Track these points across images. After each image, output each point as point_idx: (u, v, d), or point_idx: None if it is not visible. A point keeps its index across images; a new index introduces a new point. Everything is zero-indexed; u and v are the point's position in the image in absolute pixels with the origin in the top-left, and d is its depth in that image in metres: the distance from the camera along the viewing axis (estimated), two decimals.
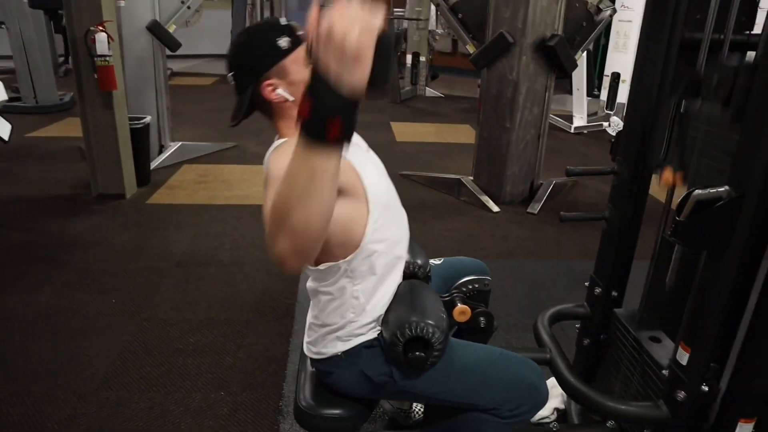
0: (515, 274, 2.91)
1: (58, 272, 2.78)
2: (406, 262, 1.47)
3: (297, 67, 1.16)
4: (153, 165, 4.32)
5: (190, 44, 11.56)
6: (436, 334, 1.19)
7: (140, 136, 3.91)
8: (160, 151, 4.61)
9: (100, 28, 3.25)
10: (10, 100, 6.19)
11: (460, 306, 1.42)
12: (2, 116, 2.98)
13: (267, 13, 9.48)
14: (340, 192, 1.11)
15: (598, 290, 1.71)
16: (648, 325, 1.54)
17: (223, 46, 7.17)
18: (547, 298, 2.67)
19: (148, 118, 4.01)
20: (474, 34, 3.57)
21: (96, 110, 3.56)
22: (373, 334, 1.28)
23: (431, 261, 1.70)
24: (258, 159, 4.87)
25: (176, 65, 10.17)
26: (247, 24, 8.47)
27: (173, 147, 4.77)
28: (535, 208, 3.70)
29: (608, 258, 1.67)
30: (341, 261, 1.19)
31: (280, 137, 1.24)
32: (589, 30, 3.59)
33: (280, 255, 0.79)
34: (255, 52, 1.18)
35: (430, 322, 1.21)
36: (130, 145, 3.75)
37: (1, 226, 3.29)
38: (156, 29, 4.15)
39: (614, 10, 3.83)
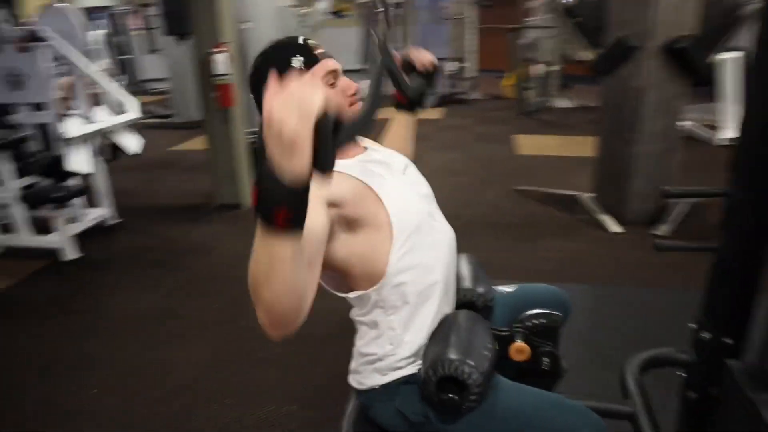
0: (624, 303, 2.58)
1: (171, 276, 2.99)
2: (463, 289, 1.34)
3: None
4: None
5: None
6: (474, 376, 1.05)
7: (259, 149, 4.12)
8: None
9: (221, 49, 3.48)
10: (164, 116, 6.95)
11: (517, 344, 1.25)
12: (137, 131, 3.29)
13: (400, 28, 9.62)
14: (360, 224, 1.06)
15: (705, 335, 1.42)
16: None
17: (353, 62, 7.48)
18: (660, 335, 2.33)
19: None
20: (592, 39, 3.27)
21: (216, 126, 3.82)
22: (412, 369, 1.17)
23: (501, 288, 1.54)
24: None
25: None
26: (375, 39, 8.67)
27: None
28: (664, 230, 3.28)
29: (719, 298, 1.39)
30: (370, 290, 1.12)
31: None
32: (733, 28, 3.11)
33: (261, 324, 0.80)
34: (268, 71, 1.13)
35: (469, 362, 1.07)
36: (246, 158, 3.97)
37: (132, 230, 3.65)
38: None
39: None
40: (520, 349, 1.24)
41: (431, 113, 7.43)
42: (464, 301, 1.34)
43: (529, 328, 1.30)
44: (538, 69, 7.05)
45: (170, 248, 3.38)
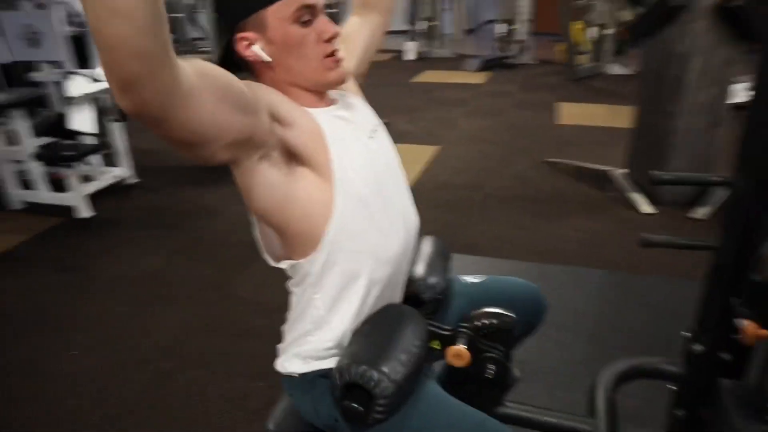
0: (643, 294, 2.35)
1: (174, 238, 2.97)
2: (411, 277, 1.19)
3: (280, 22, 0.92)
4: None
5: None
6: (382, 385, 0.92)
7: None
8: None
9: None
10: None
11: (455, 348, 1.09)
12: None
13: None
14: (301, 162, 0.92)
15: (698, 348, 1.23)
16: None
17: (401, 22, 7.21)
18: (673, 335, 2.10)
19: None
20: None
21: None
22: (331, 363, 1.04)
23: (466, 278, 1.38)
24: (405, 137, 4.77)
25: None
26: (424, 2, 8.32)
27: None
28: (703, 213, 2.97)
29: (715, 305, 1.19)
30: (302, 260, 0.99)
31: None
32: None
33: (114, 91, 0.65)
34: None
35: (383, 369, 0.93)
36: None
37: (148, 190, 3.66)
38: None
39: None
40: (457, 353, 1.09)
41: (473, 77, 7.10)
42: (408, 293, 1.19)
43: (476, 329, 1.14)
44: (591, 32, 6.56)
45: (180, 210, 3.36)
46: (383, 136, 1.13)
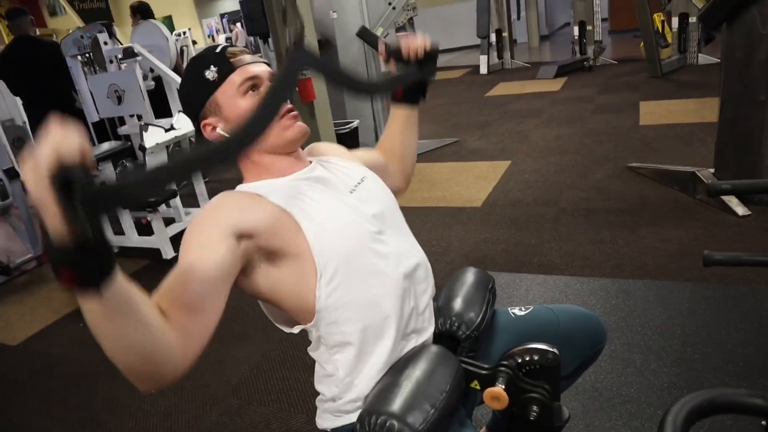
0: (740, 309, 2.09)
1: None
2: (445, 315, 1.13)
3: (229, 100, 1.01)
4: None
5: (446, 39, 11.92)
6: None
7: (348, 140, 4.08)
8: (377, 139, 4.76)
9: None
10: None
11: (493, 389, 1.01)
12: None
13: (513, 2, 9.03)
14: (279, 256, 0.94)
15: None
16: None
17: (473, 37, 7.18)
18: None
19: (355, 123, 4.16)
20: None
21: (305, 119, 3.81)
22: None
23: (512, 310, 1.29)
24: (474, 155, 4.68)
25: None
26: (492, 14, 8.20)
27: None
28: None
29: None
30: (309, 325, 1.00)
31: (243, 181, 1.08)
32: None
33: None
34: (187, 88, 1.06)
35: (407, 419, 0.88)
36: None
37: None
38: (364, 34, 4.27)
39: None
40: (495, 395, 1.00)
41: (549, 85, 6.85)
42: (442, 331, 1.13)
43: (517, 367, 1.05)
44: (673, 22, 6.14)
45: None
46: (370, 185, 1.11)
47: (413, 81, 1.23)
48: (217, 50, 1.03)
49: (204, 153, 0.72)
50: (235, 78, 1.00)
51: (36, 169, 0.57)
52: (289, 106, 1.05)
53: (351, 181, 1.09)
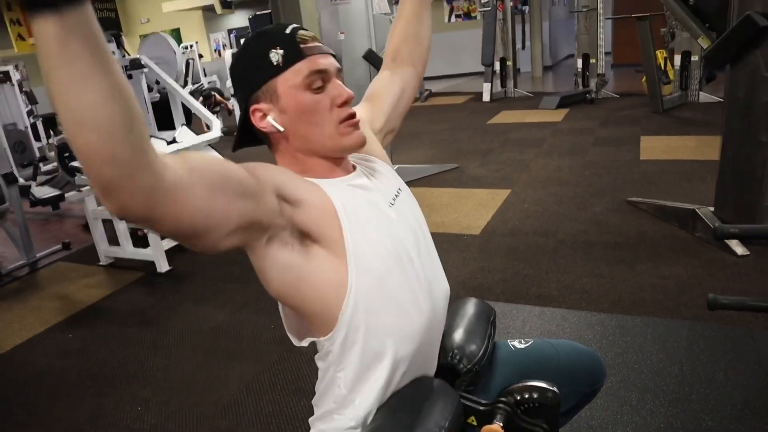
0: (737, 349, 2.07)
1: (242, 292, 3.03)
2: (446, 347, 1.12)
3: (290, 90, 0.92)
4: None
5: (451, 65, 12.04)
6: None
7: None
8: None
9: None
10: None
11: (490, 427, 0.99)
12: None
13: (518, 28, 9.16)
14: (314, 241, 0.88)
15: None
16: None
17: (478, 65, 7.22)
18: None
19: None
20: (713, 23, 2.73)
21: None
22: None
23: (514, 343, 1.27)
24: (475, 182, 4.68)
25: (436, 86, 10.61)
26: (497, 43, 8.30)
27: None
28: None
29: None
30: (322, 339, 0.95)
31: None
32: None
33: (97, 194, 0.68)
34: (245, 65, 0.96)
35: None
36: None
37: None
38: (371, 57, 4.30)
39: None
40: None
41: (551, 115, 6.91)
42: (443, 364, 1.11)
43: (516, 404, 1.03)
44: (676, 60, 6.21)
45: (248, 263, 3.42)
46: (407, 200, 1.07)
47: None
48: (287, 30, 0.94)
49: None
50: (302, 67, 0.91)
51: None
52: (352, 110, 0.96)
53: (390, 192, 1.03)
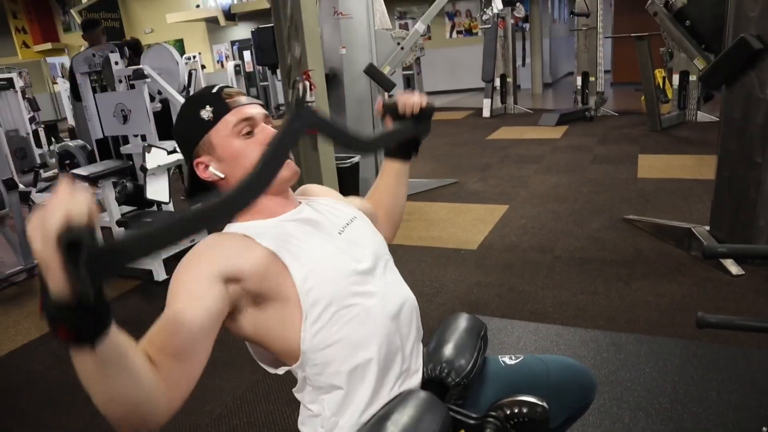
0: (730, 369, 2.08)
1: None
2: (435, 361, 1.12)
3: (223, 140, 1.02)
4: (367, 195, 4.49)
5: (452, 80, 12.12)
6: None
7: (348, 175, 4.10)
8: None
9: (304, 77, 3.51)
10: None
11: None
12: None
13: (519, 45, 9.24)
14: (266, 298, 0.94)
15: None
16: None
17: (478, 80, 7.26)
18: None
19: (357, 158, 4.19)
20: (708, 44, 2.77)
21: (307, 152, 3.85)
22: None
23: (504, 358, 1.27)
24: (473, 197, 4.71)
25: (437, 101, 10.68)
26: (498, 59, 8.38)
27: None
28: None
29: None
30: (295, 366, 0.99)
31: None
32: None
33: None
34: (183, 126, 1.07)
35: None
36: (336, 183, 3.95)
37: None
38: (372, 72, 4.34)
39: None
40: None
41: (550, 132, 6.96)
42: (431, 377, 1.12)
43: (505, 419, 1.04)
44: (674, 79, 6.27)
45: None
46: (360, 226, 1.12)
47: (408, 136, 1.25)
48: (214, 90, 1.05)
49: (209, 208, 0.75)
50: (230, 118, 1.02)
51: (44, 228, 0.57)
52: None
53: (340, 221, 1.10)
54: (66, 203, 0.58)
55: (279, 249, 0.96)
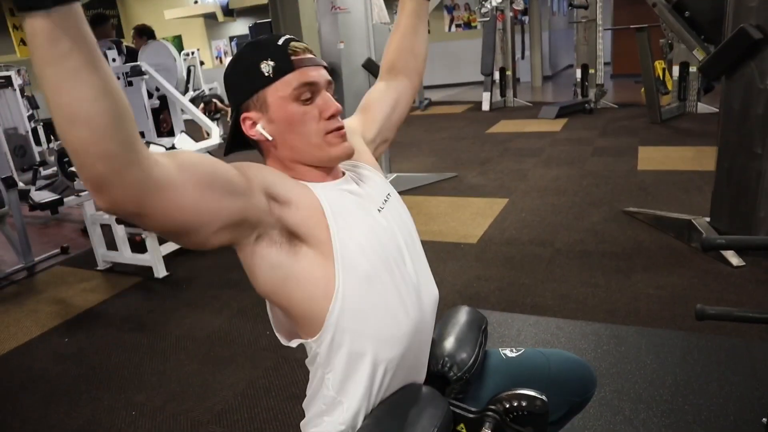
0: (732, 360, 2.07)
1: (238, 298, 3.04)
2: (437, 354, 1.12)
3: (279, 100, 0.94)
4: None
5: (451, 74, 12.09)
6: None
7: None
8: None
9: None
10: None
11: None
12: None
13: (518, 38, 9.21)
14: (302, 242, 0.90)
15: None
16: None
17: (477, 74, 7.25)
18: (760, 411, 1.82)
19: None
20: (708, 35, 2.75)
21: None
22: None
23: (505, 351, 1.27)
24: (473, 191, 4.70)
25: (437, 95, 10.65)
26: (497, 52, 8.35)
27: (389, 179, 4.89)
28: None
29: None
30: (310, 340, 0.96)
31: None
32: None
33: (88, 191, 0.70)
34: (237, 74, 0.99)
35: None
36: None
37: (220, 249, 3.79)
38: (370, 66, 4.32)
39: None
40: None
41: (550, 125, 6.94)
42: (433, 371, 1.11)
43: (504, 412, 1.04)
44: (674, 71, 6.25)
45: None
46: (396, 205, 1.09)
47: None
48: (280, 42, 0.95)
49: None
50: (292, 79, 0.93)
51: None
52: (340, 123, 0.98)
53: (379, 198, 1.05)
54: None
55: (327, 206, 0.93)
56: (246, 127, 0.97)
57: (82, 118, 0.61)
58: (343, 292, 0.91)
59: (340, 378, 0.96)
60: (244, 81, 0.96)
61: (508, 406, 1.05)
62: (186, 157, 0.77)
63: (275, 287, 0.92)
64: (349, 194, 1.00)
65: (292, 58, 0.93)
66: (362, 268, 0.93)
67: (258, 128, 0.96)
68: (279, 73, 0.93)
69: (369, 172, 1.10)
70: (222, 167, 0.81)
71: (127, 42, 4.76)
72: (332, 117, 0.96)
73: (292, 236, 0.90)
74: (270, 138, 0.96)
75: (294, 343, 1.01)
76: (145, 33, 4.58)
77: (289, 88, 0.93)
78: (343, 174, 1.05)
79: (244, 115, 0.97)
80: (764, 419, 1.12)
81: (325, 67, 0.99)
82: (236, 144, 1.05)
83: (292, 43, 0.95)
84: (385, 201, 1.06)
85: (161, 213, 0.71)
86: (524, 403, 1.04)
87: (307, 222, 0.91)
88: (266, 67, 0.93)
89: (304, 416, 1.07)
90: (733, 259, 2.75)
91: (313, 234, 0.91)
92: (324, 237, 0.91)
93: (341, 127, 0.98)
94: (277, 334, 1.04)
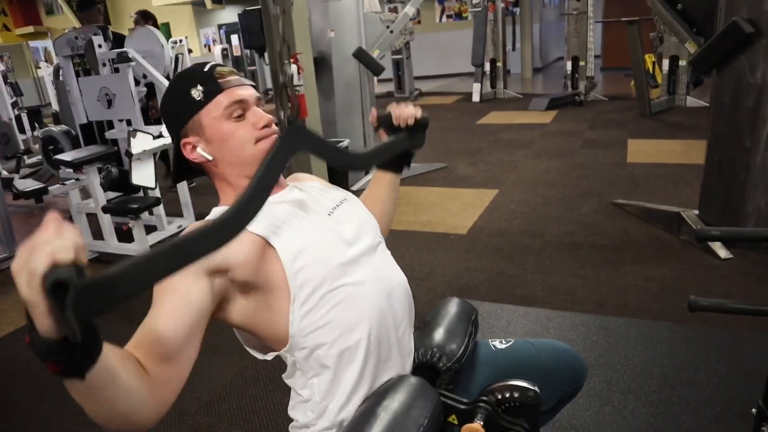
0: (719, 351, 2.09)
1: None
2: (426, 345, 1.11)
3: (213, 121, 0.99)
4: (356, 186, 4.46)
5: (442, 65, 12.04)
6: None
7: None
8: (367, 173, 4.75)
9: (292, 60, 3.45)
10: None
11: (470, 425, 0.99)
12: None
13: (509, 29, 9.19)
14: (253, 287, 0.92)
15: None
16: None
17: (468, 65, 7.23)
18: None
19: (345, 142, 4.15)
20: (700, 28, 2.75)
21: None
22: None
23: (495, 342, 1.27)
24: (462, 182, 4.69)
25: (427, 86, 10.62)
26: (488, 43, 8.33)
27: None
28: None
29: None
30: (283, 351, 0.97)
31: (219, 203, 1.07)
32: None
33: None
34: (171, 103, 1.03)
35: None
36: (326, 173, 3.90)
37: None
38: (360, 55, 4.29)
39: None
40: (473, 431, 0.98)
41: (540, 117, 6.94)
42: (422, 362, 1.10)
43: (496, 403, 1.03)
44: (663, 64, 6.27)
45: None
46: (352, 207, 1.11)
47: (401, 150, 1.22)
48: (206, 69, 1.01)
49: (205, 232, 0.72)
50: (222, 99, 0.99)
51: (28, 269, 0.54)
52: (267, 120, 1.02)
53: (329, 203, 1.08)
54: (51, 241, 0.55)
55: (267, 233, 0.94)
56: (187, 152, 1.02)
57: (117, 417, 0.73)
58: (301, 303, 0.93)
59: (324, 382, 0.97)
60: (179, 109, 1.01)
61: (500, 397, 1.04)
62: (163, 351, 0.81)
63: (236, 323, 0.97)
64: (291, 205, 1.03)
65: (219, 81, 0.99)
66: (315, 274, 0.94)
67: (198, 150, 1.01)
68: (209, 95, 0.98)
69: (316, 184, 1.14)
70: (183, 321, 0.84)
71: (116, 28, 4.69)
72: (265, 127, 1.01)
73: (245, 287, 0.93)
74: (210, 158, 1.01)
75: (270, 356, 1.02)
76: (150, 17, 4.57)
77: (220, 108, 0.98)
78: (287, 185, 1.09)
79: (183, 140, 1.02)
80: (753, 410, 1.12)
81: (252, 86, 1.05)
82: (181, 172, 1.10)
83: (218, 68, 1.01)
84: (337, 206, 1.08)
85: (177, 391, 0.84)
86: (516, 395, 1.03)
87: (254, 270, 0.92)
88: (197, 92, 0.99)
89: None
90: (721, 251, 2.77)
91: (262, 274, 0.92)
92: (272, 266, 0.93)
93: (269, 125, 1.02)
94: (250, 351, 1.06)
